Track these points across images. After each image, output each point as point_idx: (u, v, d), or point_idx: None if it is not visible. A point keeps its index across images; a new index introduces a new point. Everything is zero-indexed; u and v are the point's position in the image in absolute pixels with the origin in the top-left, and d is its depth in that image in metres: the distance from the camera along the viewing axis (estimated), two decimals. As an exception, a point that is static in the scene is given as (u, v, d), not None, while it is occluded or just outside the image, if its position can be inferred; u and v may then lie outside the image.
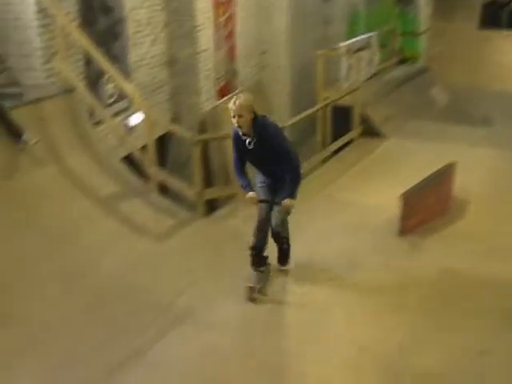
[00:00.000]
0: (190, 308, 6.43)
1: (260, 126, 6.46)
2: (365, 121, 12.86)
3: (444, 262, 7.46)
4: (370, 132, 12.80)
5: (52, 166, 8.03)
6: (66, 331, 5.90)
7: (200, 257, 7.62)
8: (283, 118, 12.32)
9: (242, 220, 8.61)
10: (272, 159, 6.55)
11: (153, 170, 9.14)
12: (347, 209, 9.02)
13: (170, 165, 11.10)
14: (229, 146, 9.89)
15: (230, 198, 9.72)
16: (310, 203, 9.02)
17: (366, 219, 8.64)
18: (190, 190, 9.33)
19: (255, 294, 6.66)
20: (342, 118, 12.35)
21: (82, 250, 7.16)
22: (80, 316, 6.14)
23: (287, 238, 7.12)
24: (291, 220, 7.03)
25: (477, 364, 5.55)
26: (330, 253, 7.68)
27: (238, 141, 6.60)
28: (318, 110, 11.82)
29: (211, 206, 9.78)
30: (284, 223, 6.91)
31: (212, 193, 9.73)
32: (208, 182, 10.44)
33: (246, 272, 6.88)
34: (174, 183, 9.43)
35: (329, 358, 5.69)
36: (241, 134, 6.50)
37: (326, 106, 11.99)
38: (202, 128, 11.62)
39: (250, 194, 6.60)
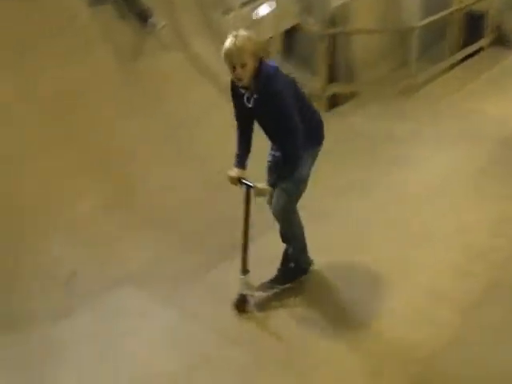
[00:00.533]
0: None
1: (265, 78, 4.57)
2: (498, 29, 11.73)
3: None
4: (503, 41, 11.69)
5: (178, 51, 8.12)
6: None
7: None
8: (412, 18, 11.40)
9: (361, 118, 8.67)
10: (274, 127, 4.79)
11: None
12: (471, 117, 8.64)
13: (296, 58, 11.09)
14: (355, 41, 9.90)
15: (352, 95, 9.68)
16: (433, 108, 8.84)
17: (489, 129, 8.23)
18: (314, 83, 9.31)
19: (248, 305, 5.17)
20: (473, 25, 11.58)
21: (206, 135, 7.37)
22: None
23: (294, 239, 5.21)
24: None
25: None
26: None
27: (235, 94, 4.82)
28: (450, 14, 11.08)
29: (333, 102, 9.70)
30: (285, 214, 5.03)
31: (335, 88, 9.73)
32: (332, 77, 10.18)
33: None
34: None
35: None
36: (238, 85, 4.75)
37: (460, 10, 11.24)
38: (331, 23, 11.47)
39: (229, 171, 4.93)
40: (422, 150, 7.90)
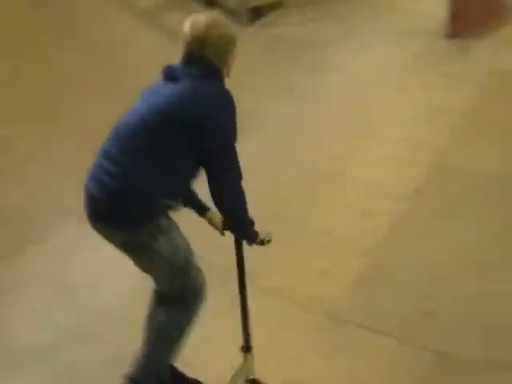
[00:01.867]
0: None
1: None
2: None
3: (494, 64, 7.16)
4: None
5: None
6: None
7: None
8: None
9: (286, 26, 8.52)
10: None
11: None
12: (392, 15, 8.49)
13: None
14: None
15: (275, 6, 9.30)
16: (365, 7, 8.58)
17: (412, 24, 8.16)
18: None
19: None
20: None
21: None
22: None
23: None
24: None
25: None
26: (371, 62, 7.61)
27: None
28: None
29: (257, 14, 9.23)
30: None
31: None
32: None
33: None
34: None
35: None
36: None
37: None
38: None
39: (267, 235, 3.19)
40: (348, 52, 7.78)
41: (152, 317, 3.17)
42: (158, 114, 2.88)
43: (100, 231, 3.01)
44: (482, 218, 4.94)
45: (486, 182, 5.30)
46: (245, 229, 3.09)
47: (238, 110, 2.96)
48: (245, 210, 3.01)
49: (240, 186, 2.96)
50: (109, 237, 3.01)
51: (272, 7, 9.32)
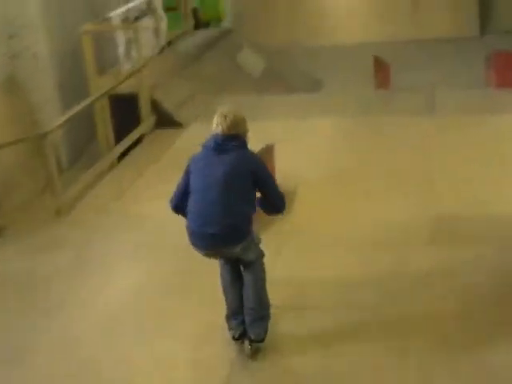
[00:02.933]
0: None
1: None
2: (157, 108, 9.78)
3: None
4: (165, 121, 9.75)
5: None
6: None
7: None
8: (51, 117, 9.10)
9: (11, 255, 6.70)
10: None
11: None
12: (144, 225, 6.95)
13: None
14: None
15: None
16: (96, 226, 7.06)
17: (167, 236, 6.51)
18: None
19: None
20: (126, 110, 9.50)
21: None
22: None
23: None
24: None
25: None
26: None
27: None
28: (92, 103, 8.92)
29: None
30: None
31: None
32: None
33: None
34: None
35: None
36: None
37: (102, 96, 9.08)
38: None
39: None
40: (88, 283, 6.09)
41: (241, 280, 4.78)
42: (233, 172, 4.55)
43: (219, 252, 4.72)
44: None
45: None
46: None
47: None
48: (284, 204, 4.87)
49: (282, 199, 4.79)
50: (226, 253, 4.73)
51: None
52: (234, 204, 4.56)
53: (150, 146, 9.36)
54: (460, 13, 17.03)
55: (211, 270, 5.00)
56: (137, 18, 10.96)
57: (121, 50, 10.63)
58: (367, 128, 8.94)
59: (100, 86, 9.49)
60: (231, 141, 4.63)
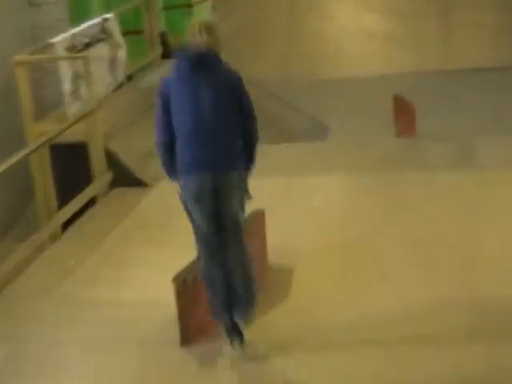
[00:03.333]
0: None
1: None
2: (113, 162, 9.15)
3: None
4: (124, 179, 9.16)
5: None
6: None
7: None
8: None
9: None
10: None
11: None
12: (102, 315, 6.48)
13: None
14: None
15: None
16: (29, 317, 6.61)
17: (129, 329, 6.21)
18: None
19: None
20: (74, 164, 9.02)
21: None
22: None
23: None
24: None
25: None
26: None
27: None
28: (28, 156, 8.09)
29: None
30: None
31: None
32: None
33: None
34: None
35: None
36: None
37: (42, 145, 8.27)
38: None
39: None
40: None
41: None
42: (222, 92, 5.31)
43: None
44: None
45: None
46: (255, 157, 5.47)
47: None
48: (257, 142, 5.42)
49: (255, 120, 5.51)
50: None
51: None
52: (227, 131, 5.31)
53: (105, 211, 8.65)
54: (505, 36, 15.81)
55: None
56: (87, 45, 10.00)
57: (66, 86, 9.42)
58: (385, 188, 8.35)
59: (39, 132, 8.72)
60: (213, 55, 5.30)
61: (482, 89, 14.16)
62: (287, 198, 8.15)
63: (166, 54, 12.63)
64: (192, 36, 5.20)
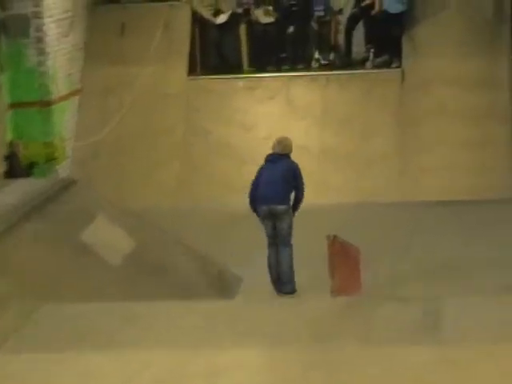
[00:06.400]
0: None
1: None
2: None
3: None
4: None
5: None
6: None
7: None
8: None
9: None
10: None
11: None
12: None
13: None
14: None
15: None
16: None
17: None
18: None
19: None
20: None
21: None
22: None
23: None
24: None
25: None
26: None
27: None
28: None
29: None
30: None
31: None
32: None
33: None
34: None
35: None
36: None
37: None
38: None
39: None
40: None
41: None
42: (284, 171, 11.23)
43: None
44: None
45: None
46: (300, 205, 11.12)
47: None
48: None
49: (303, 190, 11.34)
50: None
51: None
52: (283, 188, 10.56)
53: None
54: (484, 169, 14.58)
55: None
56: None
57: None
58: (319, 368, 6.88)
59: None
60: (283, 156, 10.70)
61: (455, 229, 13.36)
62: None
63: (12, 173, 11.21)
64: (273, 147, 10.69)
